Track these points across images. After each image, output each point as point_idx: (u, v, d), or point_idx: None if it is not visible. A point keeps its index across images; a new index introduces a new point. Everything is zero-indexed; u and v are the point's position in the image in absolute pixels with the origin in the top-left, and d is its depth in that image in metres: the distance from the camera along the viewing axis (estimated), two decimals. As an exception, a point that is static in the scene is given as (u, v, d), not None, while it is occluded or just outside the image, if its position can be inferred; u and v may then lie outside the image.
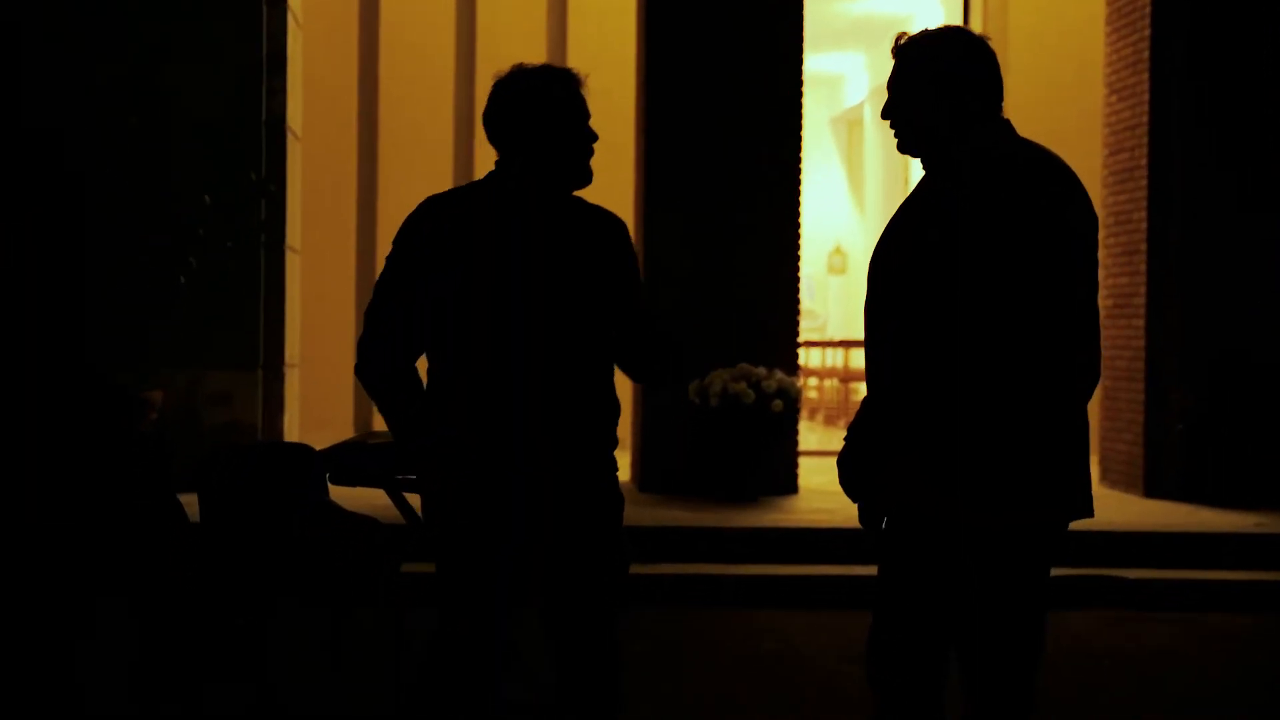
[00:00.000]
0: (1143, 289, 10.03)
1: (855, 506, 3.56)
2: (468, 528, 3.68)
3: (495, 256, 3.64)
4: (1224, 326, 9.87)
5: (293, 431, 10.23)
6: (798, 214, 9.98)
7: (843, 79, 19.17)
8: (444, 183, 12.75)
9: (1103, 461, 10.64)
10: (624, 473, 10.25)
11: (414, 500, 5.35)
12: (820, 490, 9.75)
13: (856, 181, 19.78)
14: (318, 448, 5.42)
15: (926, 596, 3.48)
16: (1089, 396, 3.47)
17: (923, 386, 3.39)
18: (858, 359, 14.70)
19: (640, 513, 8.80)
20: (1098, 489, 10.36)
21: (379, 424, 12.64)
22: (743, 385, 9.34)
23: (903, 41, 3.59)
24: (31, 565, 5.22)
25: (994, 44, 3.65)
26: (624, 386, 10.11)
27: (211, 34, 9.56)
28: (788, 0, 9.98)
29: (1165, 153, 9.94)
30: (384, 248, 12.80)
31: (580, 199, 3.81)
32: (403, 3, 12.98)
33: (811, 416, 16.27)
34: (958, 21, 12.95)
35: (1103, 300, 10.65)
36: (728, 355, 9.53)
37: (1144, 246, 10.02)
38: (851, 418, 3.63)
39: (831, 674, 6.25)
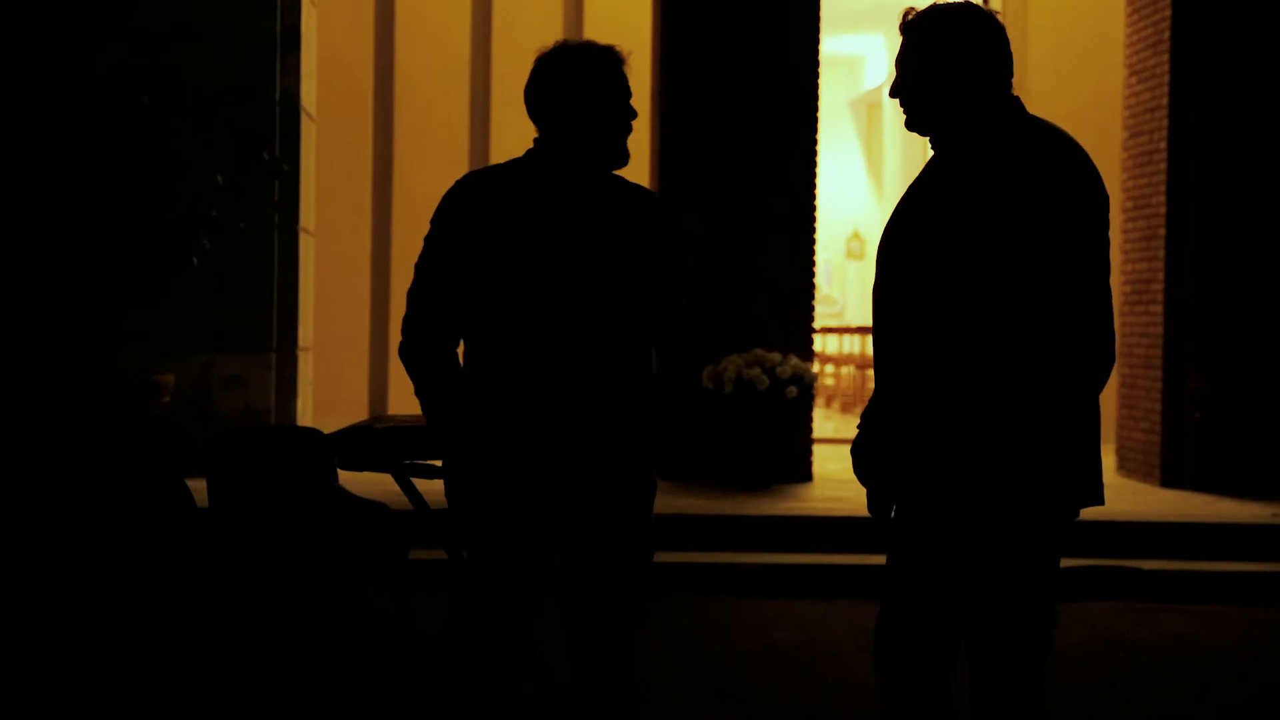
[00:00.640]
0: (1161, 275, 9.94)
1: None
2: (502, 513, 3.66)
3: (537, 236, 3.61)
4: (1243, 314, 9.77)
5: (306, 415, 10.18)
6: (814, 199, 9.90)
7: (861, 61, 19.06)
8: (459, 162, 12.69)
9: (1119, 451, 10.56)
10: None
11: (422, 486, 5.34)
12: (835, 478, 9.68)
13: (875, 165, 19.67)
14: (332, 431, 5.39)
15: (935, 586, 3.43)
16: (1102, 383, 3.40)
17: (930, 373, 3.34)
18: (874, 344, 14.59)
19: (655, 500, 8.72)
20: (1114, 478, 10.31)
21: (394, 407, 12.61)
22: (757, 371, 9.28)
23: (910, 17, 3.52)
24: (33, 552, 5.19)
25: (1014, 25, 3.59)
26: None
27: (225, 11, 9.50)
28: (804, -19, 9.89)
29: (1185, 136, 9.84)
30: (400, 229, 12.81)
31: (619, 177, 3.78)
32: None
33: (829, 404, 16.20)
34: (977, 4, 12.82)
35: (1121, 286, 10.56)
36: (742, 341, 9.46)
37: (1163, 232, 9.92)
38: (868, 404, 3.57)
39: (847, 662, 6.20)
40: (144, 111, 9.14)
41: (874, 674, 3.54)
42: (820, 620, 7.08)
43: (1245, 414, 9.75)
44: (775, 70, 9.83)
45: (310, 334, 10.43)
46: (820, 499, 9.03)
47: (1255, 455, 9.74)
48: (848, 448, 3.65)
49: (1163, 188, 9.94)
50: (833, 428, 13.19)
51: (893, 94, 3.57)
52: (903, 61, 3.52)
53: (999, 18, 3.54)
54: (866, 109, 19.90)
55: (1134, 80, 10.45)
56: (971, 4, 3.54)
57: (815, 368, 15.20)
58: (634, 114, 3.74)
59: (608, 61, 3.69)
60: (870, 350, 13.87)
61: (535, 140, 3.74)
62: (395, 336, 12.59)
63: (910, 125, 3.57)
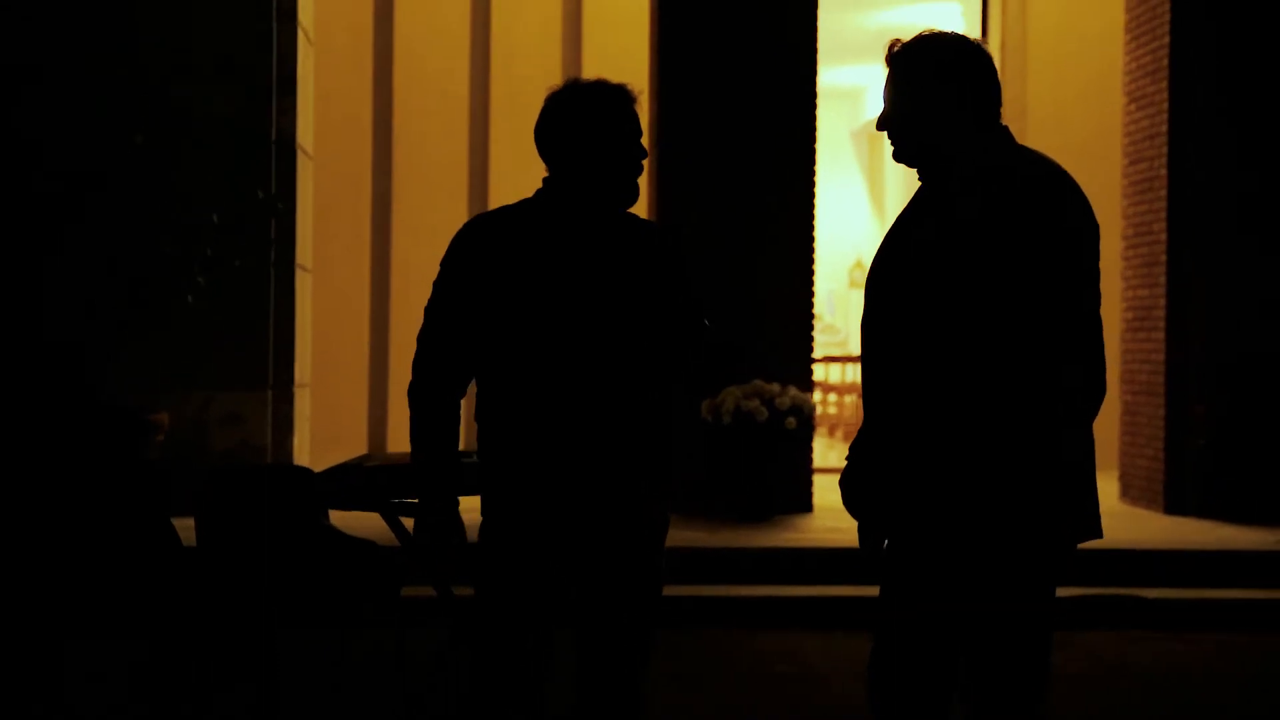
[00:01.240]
0: (1163, 301, 9.89)
1: None
2: (518, 551, 3.63)
3: (549, 276, 3.59)
4: (1246, 339, 9.72)
5: (304, 452, 10.15)
6: (812, 228, 9.87)
7: (863, 91, 19.07)
8: (459, 199, 12.68)
9: (1122, 478, 10.49)
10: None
11: (411, 525, 5.29)
12: (836, 508, 9.56)
13: (878, 195, 19.66)
14: (324, 468, 5.36)
15: (928, 620, 3.38)
16: (1093, 414, 3.35)
17: (920, 405, 3.29)
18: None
19: (654, 532, 8.69)
20: (1117, 505, 10.25)
21: (394, 443, 12.57)
22: (756, 402, 9.24)
23: (896, 49, 3.49)
24: (20, 588, 5.15)
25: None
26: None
27: (221, 51, 9.50)
28: (801, 12, 9.89)
29: (1185, 162, 9.81)
30: (399, 266, 12.79)
31: (631, 214, 3.76)
32: (417, 20, 12.92)
33: (831, 433, 16.14)
34: (977, 32, 12.84)
35: (1122, 313, 10.51)
36: (741, 372, 9.42)
37: (1164, 258, 9.88)
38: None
39: (846, 695, 6.14)
40: (140, 150, 9.14)
41: (868, 710, 3.49)
42: (819, 652, 7.02)
43: (1249, 440, 9.69)
44: (773, 101, 9.82)
45: (308, 370, 10.41)
46: (820, 530, 8.97)
47: (1259, 482, 9.67)
48: (843, 479, 3.60)
49: (1163, 214, 9.90)
50: (835, 457, 13.13)
51: (880, 126, 3.53)
52: (889, 93, 3.49)
53: (999, 45, 3.51)
54: (868, 139, 19.90)
55: (1133, 107, 10.43)
56: (958, 34, 3.51)
57: (817, 397, 15.19)
58: (644, 153, 3.72)
59: (619, 100, 3.67)
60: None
61: (545, 180, 3.72)
62: (394, 372, 12.65)
63: (898, 157, 3.54)
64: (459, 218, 11.67)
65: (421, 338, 3.68)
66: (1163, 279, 9.89)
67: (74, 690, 5.34)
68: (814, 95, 9.88)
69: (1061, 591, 3.27)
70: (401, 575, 5.43)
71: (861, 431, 3.47)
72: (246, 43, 9.59)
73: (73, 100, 9.29)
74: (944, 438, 3.26)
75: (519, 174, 4.33)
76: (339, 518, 5.55)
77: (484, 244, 3.63)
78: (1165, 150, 9.86)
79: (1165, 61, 9.87)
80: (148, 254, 8.98)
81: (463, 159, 12.91)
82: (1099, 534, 3.40)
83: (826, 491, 10.05)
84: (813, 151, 9.87)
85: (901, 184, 17.49)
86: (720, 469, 9.47)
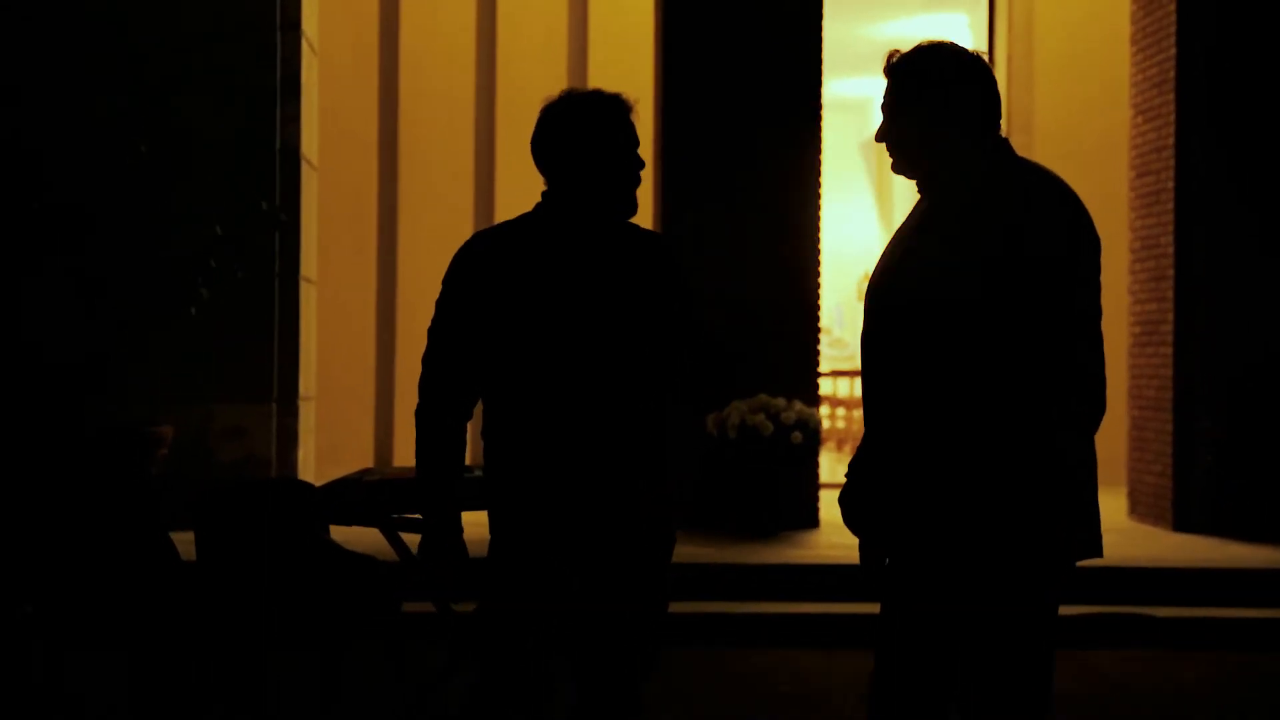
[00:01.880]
0: (1170, 316, 9.83)
1: None
2: (525, 566, 3.60)
3: (550, 289, 3.57)
4: (1254, 355, 9.66)
5: (309, 465, 10.11)
6: (818, 241, 9.83)
7: (870, 103, 19.04)
8: (465, 210, 12.65)
9: (1130, 494, 10.43)
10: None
11: (410, 540, 5.25)
12: (842, 524, 9.53)
13: (886, 207, 19.62)
14: (330, 483, 5.33)
15: (928, 638, 3.34)
16: (1092, 430, 3.31)
17: (920, 420, 3.26)
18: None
19: (658, 547, 8.64)
20: (1125, 522, 10.19)
21: (399, 457, 12.54)
22: (761, 417, 9.19)
23: (895, 60, 3.46)
24: (19, 601, 5.13)
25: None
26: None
27: (224, 61, 9.47)
28: (807, 22, 9.86)
29: (1192, 175, 9.75)
30: (405, 277, 12.76)
31: (632, 225, 3.73)
32: (421, 31, 12.90)
33: (839, 448, 16.08)
34: (983, 43, 12.80)
35: (1130, 327, 10.46)
36: (746, 386, 9.37)
37: (1171, 272, 9.82)
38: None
39: (850, 716, 6.08)
40: (142, 161, 9.11)
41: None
42: (822, 670, 6.96)
43: (1257, 456, 9.62)
44: (779, 112, 9.78)
45: (312, 383, 10.37)
46: (826, 546, 8.91)
47: (1268, 498, 9.60)
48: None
49: (1171, 228, 9.85)
50: (843, 472, 13.05)
51: (879, 138, 3.51)
52: (888, 105, 3.47)
53: (1006, 57, 3.49)
54: (876, 151, 19.86)
55: (1140, 120, 10.38)
56: (957, 45, 3.47)
57: (825, 411, 15.14)
58: (642, 163, 3.69)
59: (614, 110, 3.65)
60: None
61: (543, 193, 3.68)
62: (400, 385, 12.61)
63: (897, 169, 3.51)
64: (465, 229, 11.64)
65: (426, 359, 3.65)
66: (1170, 293, 9.83)
67: (71, 702, 5.30)
68: (819, 107, 9.84)
69: (1067, 609, 3.23)
70: (401, 590, 5.40)
71: (861, 448, 3.44)
72: (250, 53, 9.57)
73: (73, 111, 9.26)
74: (942, 455, 3.23)
75: (525, 185, 4.29)
76: (340, 532, 5.51)
77: (484, 261, 3.60)
78: (1172, 163, 9.80)
79: (1172, 73, 9.82)
80: (151, 266, 8.95)
81: (468, 170, 12.89)
82: (1099, 552, 3.37)
83: (833, 507, 9.99)
84: (818, 163, 9.83)
85: (910, 196, 17.39)
86: (725, 484, 9.42)
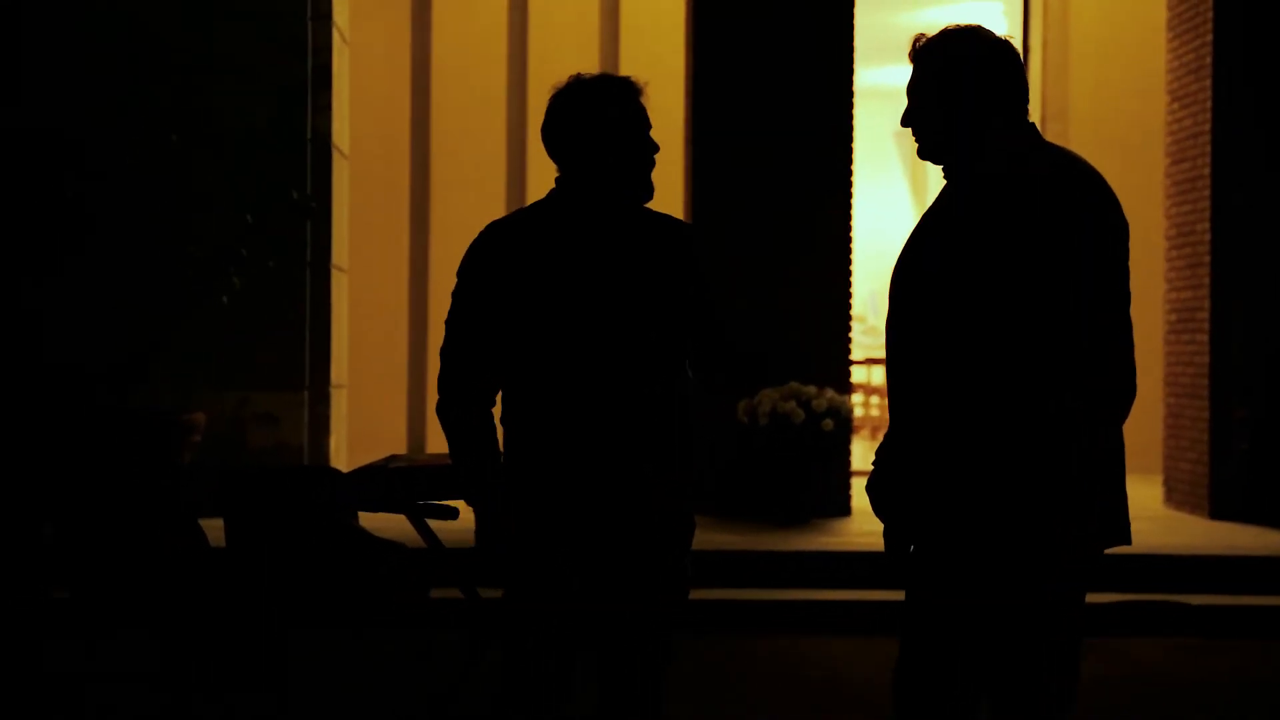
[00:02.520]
0: (1206, 303, 9.75)
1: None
2: (542, 553, 3.58)
3: (564, 276, 3.54)
4: (1292, 341, 9.57)
5: (340, 453, 10.13)
6: (849, 229, 9.79)
7: (904, 91, 18.94)
8: (497, 198, 12.65)
9: (1166, 482, 10.36)
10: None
11: (436, 526, 5.25)
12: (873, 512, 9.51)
13: (920, 194, 19.54)
14: (356, 470, 5.34)
15: (952, 627, 3.31)
16: (1121, 417, 3.27)
17: (946, 408, 3.23)
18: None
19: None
20: (1162, 510, 10.11)
21: (432, 444, 12.55)
22: (792, 404, 9.15)
23: (921, 44, 3.42)
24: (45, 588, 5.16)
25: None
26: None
27: (255, 51, 9.50)
28: (838, 11, 9.81)
29: (1228, 162, 9.66)
30: (437, 265, 12.77)
31: (647, 209, 3.69)
32: (453, 20, 12.90)
33: (873, 435, 16.02)
34: (1018, 30, 12.72)
35: (1165, 315, 10.38)
36: (778, 374, 9.34)
37: (1207, 259, 9.74)
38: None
39: (877, 701, 6.06)
40: (174, 151, 9.14)
41: (893, 715, 3.43)
42: (852, 657, 6.93)
43: (1294, 443, 9.53)
44: (810, 101, 9.74)
45: (344, 371, 10.39)
46: (858, 533, 8.88)
47: (1305, 486, 9.51)
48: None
49: (1207, 215, 9.76)
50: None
51: (904, 122, 3.48)
52: (914, 89, 3.44)
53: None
54: (911, 139, 19.72)
55: (1176, 106, 10.29)
56: (982, 30, 3.44)
57: (859, 399, 15.08)
58: (655, 146, 3.64)
59: (623, 93, 3.60)
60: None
61: (556, 179, 3.66)
62: (433, 373, 12.59)
63: (922, 154, 3.48)
64: (497, 217, 11.63)
65: (444, 352, 3.62)
66: (1206, 280, 9.75)
67: (99, 685, 5.34)
68: (851, 95, 9.79)
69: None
70: (429, 577, 5.40)
71: (887, 435, 3.41)
72: (281, 44, 9.58)
73: (104, 102, 9.31)
74: (965, 441, 3.21)
75: (556, 173, 4.25)
76: (372, 520, 5.52)
77: (499, 250, 3.58)
78: (1208, 149, 9.72)
79: (1208, 59, 9.73)
80: (183, 255, 8.98)
81: (500, 158, 12.89)
82: (1128, 540, 3.33)
83: (865, 495, 9.95)
84: (850, 152, 9.78)
85: (944, 184, 17.33)
86: (757, 472, 9.39)
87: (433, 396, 13.07)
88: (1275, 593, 8.02)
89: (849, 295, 9.78)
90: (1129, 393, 3.28)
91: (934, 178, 18.18)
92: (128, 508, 5.12)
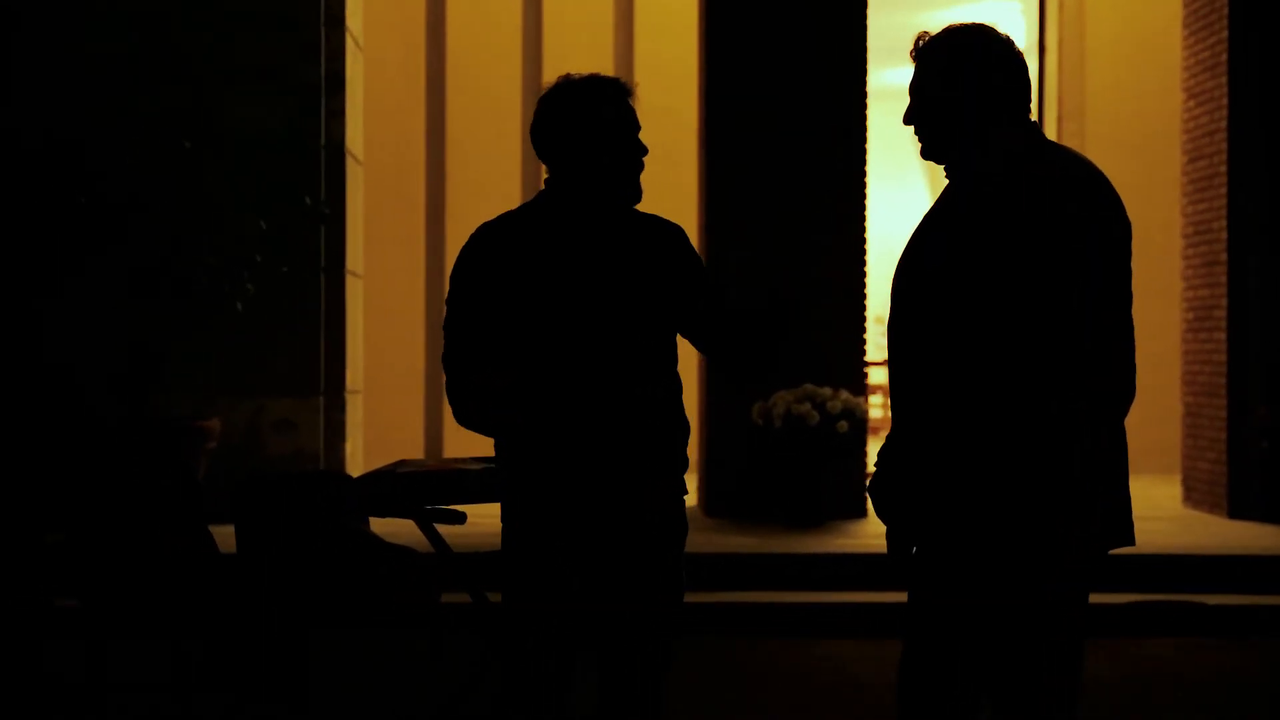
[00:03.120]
0: (1224, 301, 9.71)
1: None
2: (540, 554, 3.57)
3: (552, 277, 3.53)
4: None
5: (357, 459, 10.15)
6: (863, 231, 9.77)
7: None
8: (513, 202, 12.65)
9: (1185, 481, 10.31)
10: (690, 496, 10.05)
11: (444, 530, 5.25)
12: (890, 513, 9.49)
13: (938, 194, 19.49)
14: (364, 475, 5.34)
15: (954, 628, 3.30)
16: (1118, 419, 3.24)
17: (947, 408, 3.21)
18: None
19: (705, 538, 8.63)
20: (1180, 509, 10.07)
21: (450, 449, 12.56)
22: (807, 406, 9.14)
23: (924, 42, 3.40)
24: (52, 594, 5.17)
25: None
26: (690, 410, 9.92)
27: (268, 58, 9.53)
28: (851, 12, 9.80)
29: (1245, 159, 9.62)
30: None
31: (636, 211, 3.67)
32: (468, 25, 12.92)
33: (892, 436, 15.98)
34: (1034, 29, 12.68)
35: (1183, 313, 10.34)
36: (792, 375, 9.32)
37: (1224, 257, 9.69)
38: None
39: (891, 705, 6.03)
40: (187, 157, 9.18)
41: (898, 715, 3.42)
42: (865, 661, 6.91)
43: (1314, 442, 9.48)
44: (823, 100, 9.73)
45: (359, 376, 10.41)
46: (873, 535, 8.85)
47: (1325, 484, 9.46)
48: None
49: (1224, 212, 9.72)
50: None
51: (907, 121, 3.46)
52: (916, 88, 3.41)
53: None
54: (928, 140, 19.70)
55: (1192, 104, 10.24)
56: (985, 28, 3.42)
57: (877, 400, 15.04)
58: (644, 149, 3.62)
59: (610, 94, 3.57)
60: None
61: (546, 180, 3.65)
62: (450, 378, 12.62)
63: (925, 154, 3.46)
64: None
65: (445, 360, 3.61)
66: (1224, 278, 9.71)
67: (112, 691, 5.35)
68: (864, 95, 9.77)
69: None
70: (439, 582, 5.39)
71: (889, 436, 3.39)
72: (294, 50, 9.61)
73: (118, 108, 9.34)
74: (968, 442, 3.19)
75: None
76: (384, 526, 5.52)
77: (488, 251, 3.58)
78: (1225, 147, 9.68)
79: (1224, 57, 9.69)
80: (196, 261, 9.01)
81: (515, 161, 12.91)
82: (1131, 540, 3.31)
83: (877, 496, 9.92)
84: (864, 152, 9.77)
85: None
86: (772, 474, 9.38)
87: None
88: (1293, 592, 7.98)
89: (864, 296, 9.76)
90: (1129, 394, 3.27)
91: (952, 178, 18.14)
92: (136, 514, 5.14)
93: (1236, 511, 9.60)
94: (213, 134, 9.37)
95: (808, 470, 9.28)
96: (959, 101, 3.33)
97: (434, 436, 12.84)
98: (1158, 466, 11.26)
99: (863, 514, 9.60)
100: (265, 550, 5.08)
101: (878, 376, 14.35)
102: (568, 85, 3.58)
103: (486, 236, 3.60)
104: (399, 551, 5.35)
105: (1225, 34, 9.68)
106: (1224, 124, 9.70)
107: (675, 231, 3.69)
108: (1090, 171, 3.29)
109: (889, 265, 12.82)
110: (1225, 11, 9.68)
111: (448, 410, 12.66)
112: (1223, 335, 9.73)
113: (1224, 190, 9.71)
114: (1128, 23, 12.79)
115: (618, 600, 3.62)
